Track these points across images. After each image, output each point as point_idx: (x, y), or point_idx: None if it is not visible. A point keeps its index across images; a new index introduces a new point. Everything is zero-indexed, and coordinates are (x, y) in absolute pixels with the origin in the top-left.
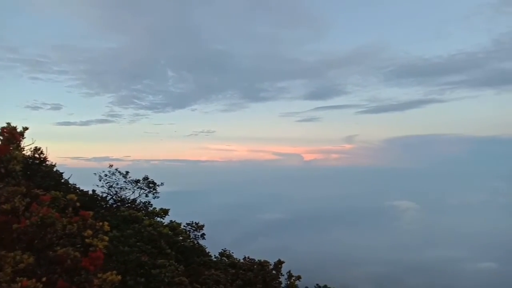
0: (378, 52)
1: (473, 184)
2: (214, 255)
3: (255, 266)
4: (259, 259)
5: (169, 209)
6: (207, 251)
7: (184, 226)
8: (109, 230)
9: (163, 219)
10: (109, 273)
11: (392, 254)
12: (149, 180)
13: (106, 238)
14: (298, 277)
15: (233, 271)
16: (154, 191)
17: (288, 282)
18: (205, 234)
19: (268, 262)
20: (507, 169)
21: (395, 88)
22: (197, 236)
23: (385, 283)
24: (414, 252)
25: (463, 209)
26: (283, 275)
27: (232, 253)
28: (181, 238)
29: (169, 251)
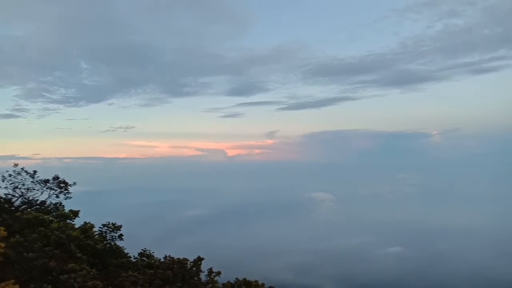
0: (297, 51)
1: (382, 175)
2: (134, 256)
3: (174, 265)
4: (181, 257)
5: (79, 211)
6: (125, 252)
7: (100, 227)
8: (6, 235)
9: (73, 221)
10: (4, 283)
11: (310, 244)
12: (59, 179)
13: (2, 244)
14: (218, 273)
15: (151, 271)
16: (65, 191)
17: (208, 278)
18: (123, 235)
19: (187, 260)
20: (411, 161)
21: (313, 86)
22: (114, 237)
23: (303, 272)
24: (330, 241)
25: (373, 199)
26: (203, 272)
27: (153, 252)
28: (92, 241)
29: (79, 255)
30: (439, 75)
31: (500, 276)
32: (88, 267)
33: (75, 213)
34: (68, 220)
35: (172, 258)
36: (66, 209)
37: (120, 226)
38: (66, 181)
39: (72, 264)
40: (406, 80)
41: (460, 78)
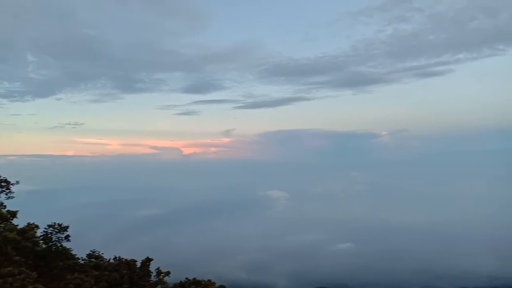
0: (254, 50)
1: (334, 174)
2: (82, 258)
3: (121, 266)
4: (131, 258)
5: (17, 211)
6: (73, 254)
7: (45, 228)
8: None
9: (10, 222)
10: None
11: (265, 242)
12: (0, 178)
13: None
14: (167, 273)
15: (97, 273)
16: (7, 190)
17: (157, 279)
18: (70, 236)
19: (135, 261)
20: (362, 160)
21: (269, 86)
22: (60, 238)
23: (257, 270)
24: (284, 238)
25: (325, 197)
26: (153, 273)
27: (102, 253)
28: (31, 242)
29: (17, 258)
30: (388, 78)
31: (441, 269)
32: (28, 271)
33: (12, 214)
34: (6, 222)
35: (121, 259)
36: (6, 210)
37: (67, 227)
38: (8, 179)
39: (10, 268)
40: (357, 82)
41: (408, 81)
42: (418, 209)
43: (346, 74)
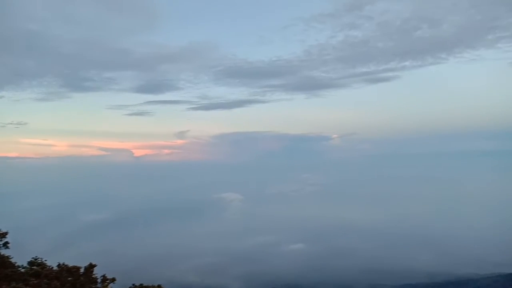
0: (209, 52)
1: (287, 176)
2: (23, 265)
3: (63, 273)
4: (75, 265)
5: None
6: (12, 262)
7: None
8: None
9: None
10: None
11: (219, 244)
12: None
13: None
14: (113, 280)
15: (36, 281)
16: None
17: (101, 286)
18: (9, 243)
19: (79, 267)
20: (314, 162)
21: (224, 87)
22: None
23: (211, 273)
24: (238, 241)
25: (279, 198)
26: (98, 280)
27: (46, 260)
28: None
29: None
30: (339, 83)
31: (386, 267)
32: None
33: None
34: None
35: (63, 266)
36: None
37: (6, 233)
38: None
39: None
40: (310, 86)
41: (358, 86)
42: (366, 209)
43: (299, 78)
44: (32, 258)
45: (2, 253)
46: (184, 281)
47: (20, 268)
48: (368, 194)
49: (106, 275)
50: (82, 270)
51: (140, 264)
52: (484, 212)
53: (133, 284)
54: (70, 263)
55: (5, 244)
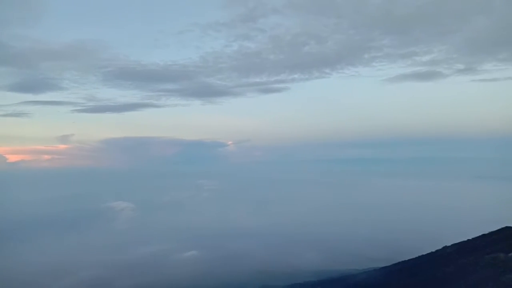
0: (98, 51)
1: (182, 182)
2: None
3: None
4: None
5: None
6: None
7: None
8: None
9: None
10: None
11: (107, 256)
12: None
13: None
14: None
15: None
16: None
17: None
18: None
19: None
20: (209, 168)
21: (114, 89)
22: None
23: (98, 287)
24: (128, 251)
25: (173, 206)
26: None
27: None
28: None
29: None
30: (234, 91)
31: (276, 269)
32: None
33: None
34: None
35: None
36: None
37: None
38: None
39: None
40: (206, 92)
41: (252, 95)
42: (258, 214)
43: (195, 84)
44: None
45: None
46: None
47: None
48: (259, 198)
49: None
50: None
51: (16, 283)
52: (360, 212)
53: None
54: None
55: None
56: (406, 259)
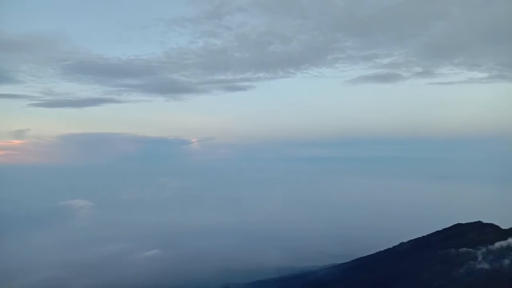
0: (57, 43)
1: (144, 180)
2: None
3: None
4: None
5: None
6: None
7: None
8: None
9: None
10: None
11: (65, 256)
12: None
13: None
14: None
15: None
16: None
17: None
18: None
19: None
20: (172, 165)
21: (74, 83)
22: None
23: None
24: (86, 251)
25: (134, 204)
26: None
27: None
28: None
29: None
30: (199, 88)
31: (239, 266)
32: None
33: None
34: None
35: None
36: None
37: None
38: None
39: None
40: (170, 89)
41: (217, 93)
42: (221, 212)
43: (159, 80)
44: None
45: None
46: None
47: None
48: (223, 196)
49: None
50: None
51: None
52: (322, 209)
53: None
54: None
55: None
56: (365, 255)
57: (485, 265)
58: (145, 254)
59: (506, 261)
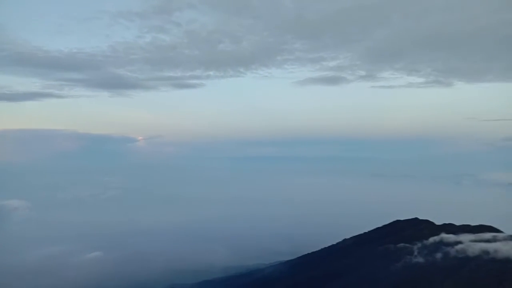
0: None
1: (86, 179)
2: None
3: None
4: None
5: None
6: None
7: None
8: None
9: None
10: None
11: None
12: None
13: None
14: None
15: None
16: None
17: None
18: None
19: None
20: (117, 165)
21: (10, 76)
22: None
23: None
24: (23, 253)
25: (75, 204)
26: None
27: None
28: None
29: None
30: (146, 84)
31: (186, 266)
32: None
33: None
34: None
35: None
36: None
37: None
38: None
39: None
40: (115, 84)
41: (166, 90)
42: (168, 211)
43: (103, 75)
44: None
45: None
46: None
47: None
48: (171, 196)
49: None
50: None
51: None
52: (267, 208)
53: None
54: None
55: None
56: (310, 252)
57: (420, 259)
58: (87, 256)
59: (439, 255)
